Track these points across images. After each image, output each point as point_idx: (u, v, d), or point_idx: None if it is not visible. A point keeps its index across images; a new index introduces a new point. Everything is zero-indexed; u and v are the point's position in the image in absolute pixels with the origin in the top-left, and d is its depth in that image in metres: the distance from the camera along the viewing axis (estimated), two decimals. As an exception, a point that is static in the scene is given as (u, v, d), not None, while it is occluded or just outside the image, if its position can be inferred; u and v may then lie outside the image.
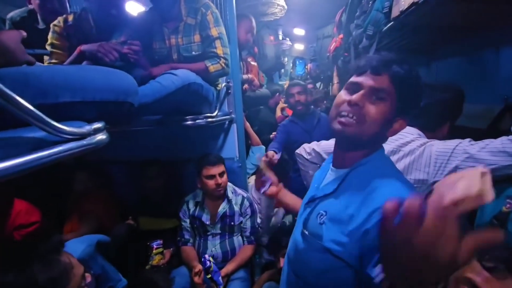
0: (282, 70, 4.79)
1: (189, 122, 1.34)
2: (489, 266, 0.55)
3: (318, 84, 5.25)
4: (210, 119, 1.44)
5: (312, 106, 2.26)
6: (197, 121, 1.38)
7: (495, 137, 0.91)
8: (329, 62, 3.26)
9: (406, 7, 0.98)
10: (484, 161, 0.72)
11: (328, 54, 3.13)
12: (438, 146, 0.84)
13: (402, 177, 0.64)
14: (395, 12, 1.09)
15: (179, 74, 1.12)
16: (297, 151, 1.40)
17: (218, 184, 1.52)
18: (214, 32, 1.32)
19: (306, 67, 5.24)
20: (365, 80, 0.62)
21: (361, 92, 0.61)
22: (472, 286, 0.56)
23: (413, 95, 0.62)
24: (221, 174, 1.54)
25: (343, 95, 0.64)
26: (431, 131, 0.95)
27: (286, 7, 2.94)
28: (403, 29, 1.15)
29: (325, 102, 3.52)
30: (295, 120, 2.16)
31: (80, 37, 1.27)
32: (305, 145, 1.37)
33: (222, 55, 1.33)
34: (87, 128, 0.59)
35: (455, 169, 0.78)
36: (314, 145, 1.30)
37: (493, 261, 0.55)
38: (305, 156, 1.31)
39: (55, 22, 1.30)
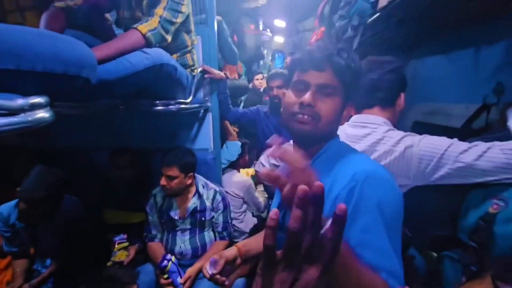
0: (261, 62, 4.70)
1: (159, 108, 1.23)
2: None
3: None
4: (183, 106, 1.33)
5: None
6: (169, 106, 1.26)
7: (472, 135, 0.91)
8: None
9: (394, -3, 0.95)
10: (482, 171, 0.68)
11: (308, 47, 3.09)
12: (420, 146, 0.78)
13: (363, 154, 0.68)
14: (382, 2, 1.04)
15: (150, 53, 0.99)
16: (257, 168, 1.39)
17: (163, 184, 1.41)
18: None
19: (285, 60, 5.20)
20: (311, 78, 0.63)
21: (310, 91, 0.62)
22: None
23: (355, 80, 0.65)
24: (169, 177, 1.39)
25: (292, 95, 0.65)
26: (391, 105, 0.92)
27: (266, -2, 2.84)
28: (389, 20, 1.11)
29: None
30: (269, 115, 1.99)
31: None
32: (262, 160, 1.35)
33: (159, 14, 1.10)
34: (20, 102, 0.47)
35: (446, 175, 0.73)
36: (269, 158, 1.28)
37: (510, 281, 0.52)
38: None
39: None
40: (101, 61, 0.84)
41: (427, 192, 0.79)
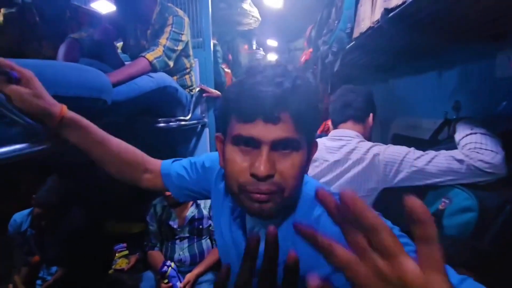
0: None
1: (161, 125, 1.35)
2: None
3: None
4: (182, 122, 1.46)
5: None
6: (170, 123, 1.39)
7: (436, 145, 1.06)
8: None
9: (364, 30, 1.11)
10: (430, 174, 0.82)
11: (298, 66, 3.30)
12: (385, 153, 0.92)
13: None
14: (356, 33, 1.21)
15: (155, 77, 1.14)
16: None
17: (166, 195, 1.52)
18: (167, 29, 1.31)
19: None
20: (261, 133, 0.44)
21: (264, 155, 0.44)
22: None
23: (317, 117, 0.51)
24: None
25: (238, 160, 0.47)
26: (362, 121, 1.08)
27: (260, 18, 3.06)
28: (363, 48, 1.28)
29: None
30: None
31: (24, 28, 1.26)
32: None
33: (163, 44, 1.26)
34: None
35: (406, 178, 0.87)
36: None
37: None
38: None
39: None
40: (114, 85, 0.97)
41: (393, 194, 0.93)
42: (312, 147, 0.52)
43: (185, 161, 0.73)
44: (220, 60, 2.62)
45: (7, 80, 0.50)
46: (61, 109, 0.57)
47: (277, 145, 0.45)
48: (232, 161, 0.47)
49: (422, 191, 0.88)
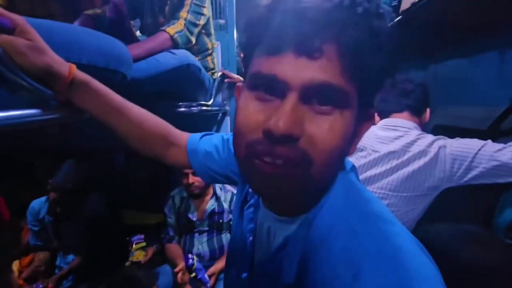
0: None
1: (182, 109, 1.25)
2: None
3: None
4: (204, 107, 1.36)
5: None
6: (191, 108, 1.29)
7: (496, 137, 0.90)
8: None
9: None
10: None
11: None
12: (453, 147, 0.78)
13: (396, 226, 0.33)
14: (405, 5, 1.06)
15: (177, 53, 1.04)
16: None
17: (188, 183, 1.41)
18: (187, 1, 1.19)
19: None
20: (290, 71, 0.29)
21: (289, 102, 0.29)
22: None
23: (384, 66, 0.32)
24: (194, 173, 1.42)
25: (251, 108, 0.32)
26: (419, 114, 0.98)
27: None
28: (411, 24, 1.12)
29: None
30: None
31: (36, 5, 1.18)
32: None
33: (184, 17, 1.15)
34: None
35: (481, 175, 0.73)
36: None
37: None
38: None
39: None
40: (133, 60, 0.87)
41: (458, 193, 0.79)
42: (368, 114, 0.35)
43: (216, 137, 0.61)
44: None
45: None
46: (70, 68, 0.47)
47: (311, 94, 0.30)
48: (243, 111, 0.32)
49: (495, 191, 0.73)
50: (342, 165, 0.38)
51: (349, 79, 0.30)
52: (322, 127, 0.30)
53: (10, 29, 0.40)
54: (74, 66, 0.48)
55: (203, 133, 0.64)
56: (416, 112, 0.97)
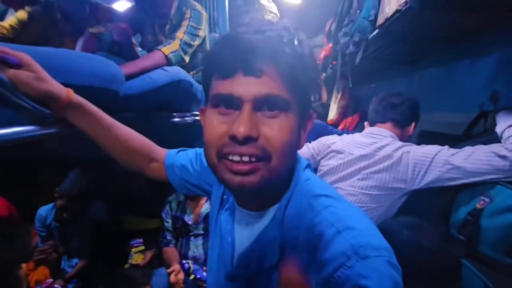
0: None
1: (176, 119, 1.34)
2: None
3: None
4: (197, 117, 1.44)
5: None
6: (185, 118, 1.37)
7: (471, 140, 0.96)
8: (319, 70, 3.35)
9: (390, 14, 1.03)
10: (468, 172, 0.74)
11: (318, 62, 3.21)
12: (416, 153, 0.85)
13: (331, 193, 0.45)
14: (380, 20, 1.13)
15: (169, 70, 1.12)
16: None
17: None
18: (184, 23, 1.28)
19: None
20: (242, 88, 0.38)
21: (245, 112, 0.38)
22: None
23: (313, 78, 0.43)
24: None
25: (216, 122, 0.40)
26: (402, 128, 1.04)
27: (278, 14, 3.00)
28: (388, 36, 1.19)
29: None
30: None
31: (47, 25, 1.30)
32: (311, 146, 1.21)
33: (180, 38, 1.23)
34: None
35: (437, 178, 0.79)
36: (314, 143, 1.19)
37: None
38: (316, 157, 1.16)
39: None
40: (128, 78, 0.96)
41: (421, 196, 0.85)
42: (306, 115, 0.45)
43: (191, 152, 0.69)
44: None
45: (6, 65, 0.49)
46: (68, 92, 0.56)
47: (261, 104, 0.39)
48: (210, 125, 0.41)
49: (454, 190, 0.79)
50: (295, 157, 0.47)
51: (288, 89, 0.40)
52: (274, 127, 0.39)
53: (17, 65, 0.49)
54: (71, 91, 0.57)
55: (179, 148, 0.72)
56: (399, 125, 1.04)
